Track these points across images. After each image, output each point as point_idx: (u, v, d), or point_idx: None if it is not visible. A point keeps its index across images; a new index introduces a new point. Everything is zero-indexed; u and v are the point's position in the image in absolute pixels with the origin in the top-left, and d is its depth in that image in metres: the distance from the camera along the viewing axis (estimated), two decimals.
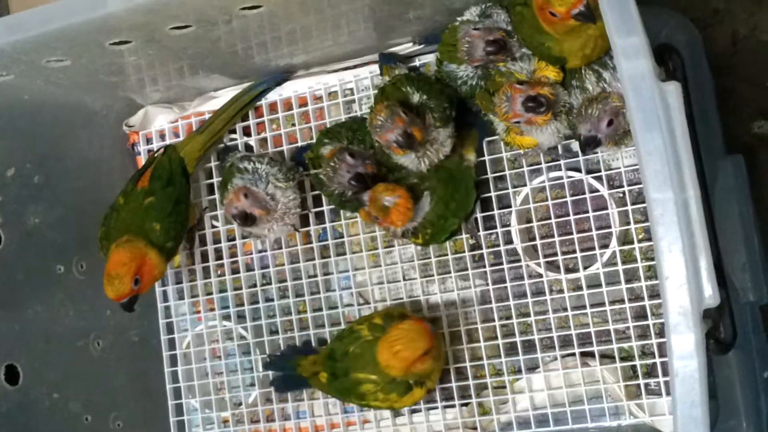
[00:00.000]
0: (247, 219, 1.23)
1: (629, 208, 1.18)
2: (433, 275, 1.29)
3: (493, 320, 1.25)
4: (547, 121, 1.07)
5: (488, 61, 1.12)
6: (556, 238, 1.21)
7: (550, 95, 1.05)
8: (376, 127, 1.11)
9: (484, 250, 1.26)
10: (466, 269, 1.27)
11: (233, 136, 1.40)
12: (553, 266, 1.23)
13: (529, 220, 1.24)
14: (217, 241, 1.41)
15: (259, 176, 1.25)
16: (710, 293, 0.77)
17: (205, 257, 1.42)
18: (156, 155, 1.31)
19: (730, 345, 1.06)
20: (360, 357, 1.17)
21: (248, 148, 1.39)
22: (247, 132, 1.39)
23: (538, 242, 1.23)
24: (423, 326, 1.10)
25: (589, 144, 1.06)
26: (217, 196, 1.38)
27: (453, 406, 1.27)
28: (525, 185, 1.23)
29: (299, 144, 1.35)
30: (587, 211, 1.20)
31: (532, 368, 1.24)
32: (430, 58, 1.27)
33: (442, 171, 1.19)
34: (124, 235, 1.21)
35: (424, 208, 1.17)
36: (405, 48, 1.29)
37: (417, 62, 1.29)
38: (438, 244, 1.26)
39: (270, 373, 1.35)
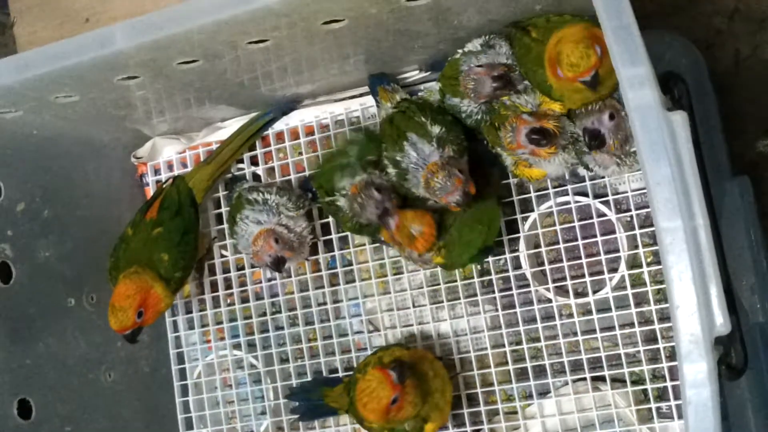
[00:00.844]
0: (280, 264, 1.24)
1: (637, 231, 1.18)
2: (442, 301, 1.29)
3: (504, 345, 1.26)
4: (552, 153, 1.07)
5: (495, 97, 1.13)
6: (565, 263, 1.22)
7: (555, 128, 1.05)
8: (436, 190, 1.10)
9: (494, 276, 1.26)
10: (476, 295, 1.27)
11: (241, 165, 1.40)
12: (562, 291, 1.23)
13: (538, 246, 1.24)
14: (226, 270, 1.41)
15: (269, 207, 1.26)
16: (721, 321, 0.77)
17: (214, 286, 1.42)
18: (164, 186, 1.31)
19: (741, 371, 1.06)
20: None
21: (256, 177, 1.39)
22: (254, 161, 1.40)
23: (546, 267, 1.23)
24: (384, 375, 1.07)
25: (593, 137, 1.04)
26: (225, 226, 1.38)
27: None
28: (533, 211, 1.23)
29: (307, 172, 1.36)
30: (595, 236, 1.20)
31: (543, 393, 1.24)
32: (433, 85, 1.28)
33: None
34: (132, 266, 1.22)
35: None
36: (411, 75, 1.29)
37: (422, 88, 1.29)
38: (465, 265, 1.26)
39: (290, 402, 1.35)
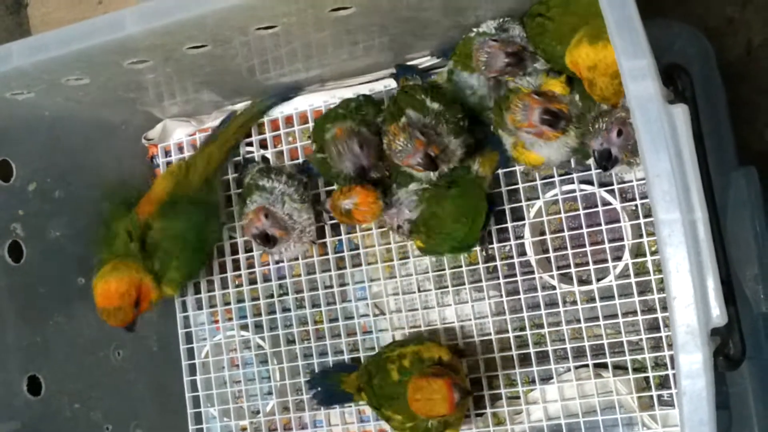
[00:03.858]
0: (268, 240, 1.25)
1: (642, 221, 1.19)
2: (447, 287, 1.30)
3: (507, 331, 1.27)
4: (557, 136, 1.07)
5: (505, 73, 1.13)
6: (570, 251, 1.22)
7: (565, 109, 1.06)
8: (397, 152, 1.12)
9: (498, 262, 1.27)
10: (481, 281, 1.28)
11: (250, 149, 1.42)
12: (566, 278, 1.24)
13: (543, 233, 1.25)
14: (234, 252, 1.43)
15: (276, 197, 1.27)
16: (718, 313, 0.78)
17: (223, 268, 1.44)
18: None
19: (739, 362, 1.07)
20: (389, 397, 1.18)
21: (264, 161, 1.40)
22: (263, 145, 1.41)
23: (551, 254, 1.24)
24: (448, 391, 1.08)
25: (604, 158, 1.05)
26: (235, 209, 1.40)
27: (468, 416, 1.28)
28: (538, 198, 1.24)
29: None
30: (600, 224, 1.21)
31: (546, 379, 1.25)
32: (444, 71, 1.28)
33: (444, 175, 1.20)
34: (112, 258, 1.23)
35: (408, 204, 1.20)
36: (423, 61, 1.30)
37: (434, 76, 1.30)
38: (444, 254, 1.26)
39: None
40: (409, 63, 1.30)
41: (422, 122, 1.14)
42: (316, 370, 1.37)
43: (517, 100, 1.08)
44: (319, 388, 1.33)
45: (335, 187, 1.30)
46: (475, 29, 1.16)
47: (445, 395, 1.07)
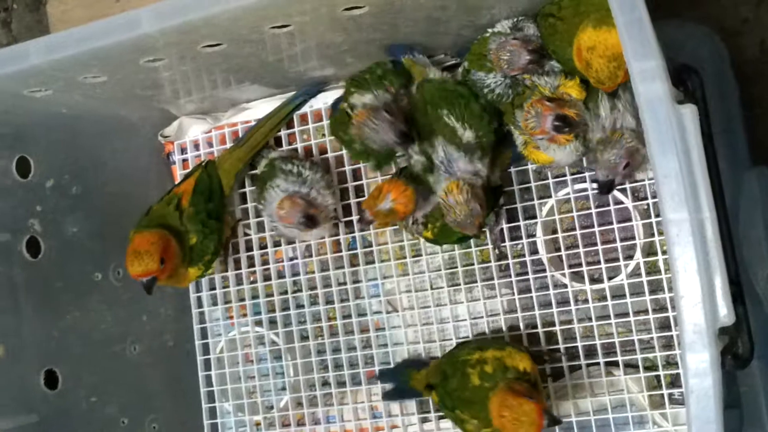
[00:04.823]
0: (313, 221, 1.26)
1: (653, 220, 1.19)
2: (460, 284, 1.31)
3: (519, 329, 1.27)
4: (569, 141, 1.08)
5: (527, 70, 1.13)
6: (581, 249, 1.23)
7: (575, 116, 1.07)
8: (457, 221, 1.12)
9: (510, 260, 1.28)
10: (493, 279, 1.29)
11: (271, 147, 1.42)
12: (578, 276, 1.25)
13: (555, 231, 1.26)
14: (249, 248, 1.44)
15: (304, 180, 1.29)
16: (725, 312, 0.78)
17: (238, 264, 1.45)
18: (197, 169, 1.34)
19: (747, 360, 1.07)
20: (467, 401, 1.15)
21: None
22: (278, 142, 1.42)
23: (563, 253, 1.24)
24: (538, 416, 1.03)
25: (606, 187, 1.08)
26: (252, 196, 1.42)
27: None
28: (550, 196, 1.25)
29: (329, 154, 1.38)
30: (612, 223, 1.21)
31: (557, 377, 1.26)
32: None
33: None
34: (156, 226, 1.25)
35: (435, 199, 1.20)
36: (435, 61, 1.30)
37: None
38: (450, 243, 1.27)
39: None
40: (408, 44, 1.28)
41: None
42: (329, 367, 1.38)
43: (529, 107, 1.08)
44: (389, 383, 1.33)
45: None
46: (490, 29, 1.17)
47: (535, 421, 1.04)
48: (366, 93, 1.24)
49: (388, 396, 1.33)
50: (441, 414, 1.31)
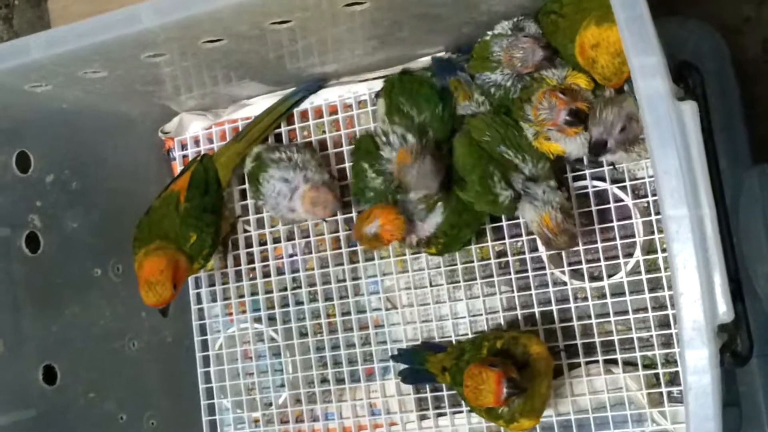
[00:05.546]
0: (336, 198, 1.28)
1: (653, 218, 1.19)
2: (459, 281, 1.31)
3: (519, 326, 1.27)
4: (578, 132, 1.08)
5: (540, 67, 1.13)
6: (581, 247, 1.22)
7: (587, 109, 1.06)
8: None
9: (510, 258, 1.27)
10: (492, 276, 1.29)
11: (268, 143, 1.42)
12: (577, 274, 1.24)
13: None
14: (249, 245, 1.44)
15: (295, 164, 1.29)
16: (724, 309, 0.78)
17: (237, 261, 1.45)
18: (193, 163, 1.34)
19: (746, 358, 1.07)
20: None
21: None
22: (278, 139, 1.42)
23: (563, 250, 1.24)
24: (497, 384, 1.05)
25: (599, 147, 1.06)
26: (250, 202, 1.41)
27: None
28: None
29: (330, 151, 1.38)
30: (612, 221, 1.21)
31: (556, 375, 1.25)
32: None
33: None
34: (155, 240, 1.24)
35: (437, 219, 1.20)
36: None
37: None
38: (455, 251, 1.28)
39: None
40: (442, 56, 1.29)
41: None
42: (328, 364, 1.37)
43: (542, 98, 1.08)
44: (404, 364, 1.33)
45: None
46: (490, 32, 1.17)
47: (492, 388, 1.05)
48: (404, 120, 1.22)
49: (405, 379, 1.33)
50: (440, 411, 1.31)
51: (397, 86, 1.25)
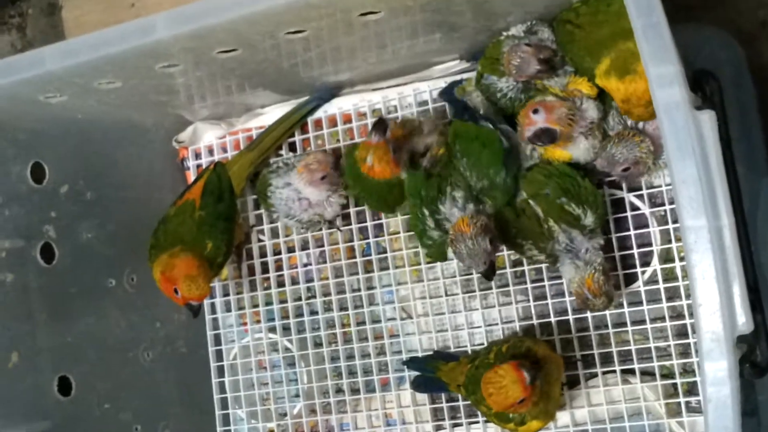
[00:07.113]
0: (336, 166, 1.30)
1: (670, 226, 1.18)
2: (474, 291, 1.30)
3: (535, 336, 1.26)
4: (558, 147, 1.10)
5: (535, 78, 1.13)
6: None
7: (563, 126, 1.06)
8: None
9: (526, 267, 1.27)
10: (508, 285, 1.28)
11: (280, 152, 1.42)
12: None
13: None
14: (263, 255, 1.44)
15: (293, 165, 1.31)
16: (744, 320, 0.77)
17: (251, 271, 1.45)
18: (206, 172, 1.33)
19: (765, 369, 1.06)
20: (476, 383, 1.13)
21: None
22: (292, 148, 1.42)
23: None
24: (518, 375, 1.04)
25: (601, 175, 1.10)
26: (262, 211, 1.41)
27: None
28: None
29: (344, 160, 1.37)
30: (628, 229, 1.20)
31: (573, 384, 1.25)
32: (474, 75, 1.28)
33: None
34: (176, 245, 1.24)
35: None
36: (451, 66, 1.30)
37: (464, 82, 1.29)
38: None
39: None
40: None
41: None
42: (343, 374, 1.37)
43: (522, 114, 1.09)
44: (416, 371, 1.32)
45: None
46: (504, 33, 1.16)
47: (515, 377, 1.04)
48: (464, 182, 1.19)
49: (417, 387, 1.32)
50: (456, 422, 1.31)
51: (459, 143, 1.20)
